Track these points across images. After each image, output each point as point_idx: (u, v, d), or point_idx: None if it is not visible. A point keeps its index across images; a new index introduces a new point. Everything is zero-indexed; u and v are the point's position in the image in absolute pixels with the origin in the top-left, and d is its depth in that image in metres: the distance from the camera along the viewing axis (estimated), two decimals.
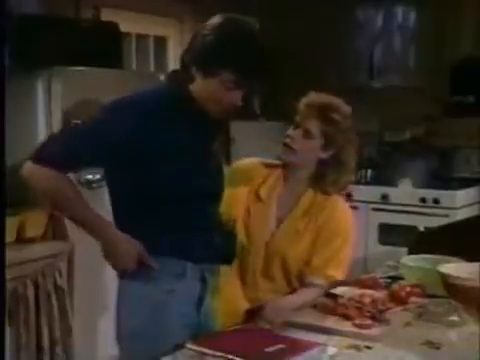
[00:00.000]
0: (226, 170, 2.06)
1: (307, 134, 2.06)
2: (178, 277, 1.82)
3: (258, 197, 2.15)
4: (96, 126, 1.77)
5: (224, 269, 2.04)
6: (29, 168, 1.75)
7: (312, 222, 2.11)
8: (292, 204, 2.13)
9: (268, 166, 2.21)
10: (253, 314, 2.03)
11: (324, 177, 2.10)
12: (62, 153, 1.73)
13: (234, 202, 2.13)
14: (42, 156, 1.74)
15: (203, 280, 1.88)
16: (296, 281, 2.12)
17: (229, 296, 2.13)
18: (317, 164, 2.10)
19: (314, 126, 2.06)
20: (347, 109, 2.11)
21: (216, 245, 1.89)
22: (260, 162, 2.22)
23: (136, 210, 1.80)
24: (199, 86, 1.81)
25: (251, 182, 2.17)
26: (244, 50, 1.79)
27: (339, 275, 2.12)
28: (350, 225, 2.15)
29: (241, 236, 2.14)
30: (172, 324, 1.80)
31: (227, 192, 2.06)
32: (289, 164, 2.14)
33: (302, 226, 2.10)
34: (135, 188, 1.78)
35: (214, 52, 1.77)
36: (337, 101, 2.11)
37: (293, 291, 2.11)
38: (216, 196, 1.92)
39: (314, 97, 2.10)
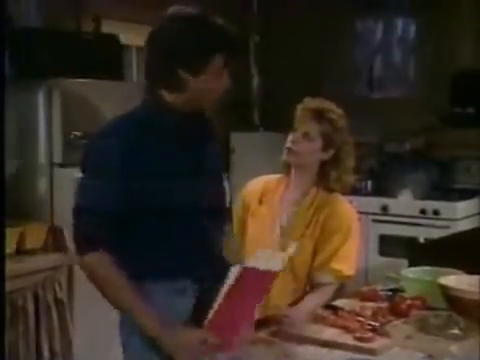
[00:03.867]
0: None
1: (307, 136, 2.17)
2: (179, 293, 1.77)
3: (260, 202, 2.25)
4: (96, 183, 1.68)
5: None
6: (84, 264, 1.71)
7: (315, 221, 2.17)
8: (296, 206, 2.20)
9: (272, 178, 2.31)
10: (264, 322, 2.04)
11: (327, 176, 2.19)
12: (93, 232, 1.69)
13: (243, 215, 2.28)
14: (84, 245, 1.70)
15: (199, 298, 1.81)
16: (305, 284, 2.16)
17: None
18: (319, 166, 2.20)
19: (312, 128, 2.16)
20: (340, 110, 2.21)
21: (215, 263, 1.82)
22: (266, 178, 2.33)
23: (137, 233, 1.74)
24: (191, 88, 1.71)
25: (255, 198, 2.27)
26: (214, 28, 1.73)
27: (346, 269, 2.14)
28: (351, 220, 2.21)
29: (247, 241, 2.23)
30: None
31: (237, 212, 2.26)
32: (293, 167, 2.23)
33: (305, 225, 2.17)
34: (136, 212, 1.71)
35: (198, 44, 1.69)
36: (330, 103, 2.21)
37: (303, 295, 2.14)
38: (215, 211, 1.83)
39: (309, 101, 2.21)
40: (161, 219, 1.72)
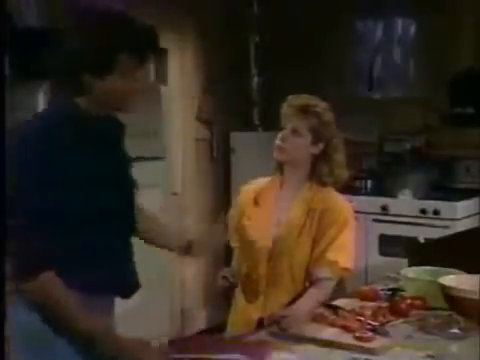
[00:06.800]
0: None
1: (295, 132, 2.18)
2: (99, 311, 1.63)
3: (256, 203, 2.25)
4: (37, 196, 1.55)
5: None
6: (36, 286, 1.54)
7: (311, 217, 2.17)
8: (291, 203, 2.21)
9: (265, 180, 2.32)
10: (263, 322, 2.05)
11: (320, 171, 2.21)
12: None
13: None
14: (36, 264, 1.54)
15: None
16: (304, 282, 2.16)
17: (240, 306, 2.18)
18: (311, 161, 2.21)
19: (299, 123, 2.18)
20: (325, 104, 2.23)
21: (121, 275, 1.72)
22: (259, 180, 2.34)
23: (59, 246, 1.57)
24: (98, 91, 1.62)
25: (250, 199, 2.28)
26: (120, 25, 1.63)
27: (342, 260, 2.14)
28: (347, 213, 2.22)
29: (245, 243, 2.22)
30: None
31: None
32: (284, 165, 2.24)
33: (302, 222, 2.17)
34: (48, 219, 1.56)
35: (101, 43, 1.59)
36: (314, 98, 2.23)
37: (302, 293, 2.13)
38: (122, 218, 1.73)
39: (294, 98, 2.23)
40: (79, 230, 1.60)
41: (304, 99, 2.21)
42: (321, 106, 2.20)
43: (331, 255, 2.13)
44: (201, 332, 4.34)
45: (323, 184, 2.21)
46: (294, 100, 2.22)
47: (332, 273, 2.14)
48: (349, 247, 2.17)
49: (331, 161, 2.20)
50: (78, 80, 1.62)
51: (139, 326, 3.43)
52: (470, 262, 2.17)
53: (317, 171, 2.21)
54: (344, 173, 2.23)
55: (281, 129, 2.21)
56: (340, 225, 2.16)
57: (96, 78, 1.62)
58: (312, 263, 2.15)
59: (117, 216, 1.69)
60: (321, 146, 2.20)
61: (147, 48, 1.66)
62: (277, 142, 2.20)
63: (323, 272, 2.13)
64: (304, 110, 2.18)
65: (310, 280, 2.16)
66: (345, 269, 2.15)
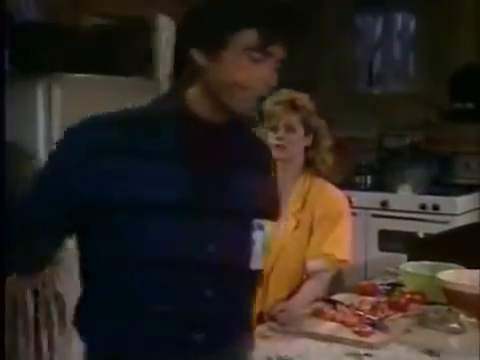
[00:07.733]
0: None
1: (290, 128, 2.19)
2: None
3: None
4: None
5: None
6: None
7: (306, 211, 2.18)
8: (287, 199, 2.19)
9: None
10: (262, 317, 2.05)
11: (313, 160, 2.23)
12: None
13: None
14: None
15: None
16: (302, 276, 2.16)
17: None
18: (304, 153, 2.23)
19: (291, 119, 2.19)
20: (305, 94, 2.25)
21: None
22: None
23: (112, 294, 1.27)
24: (208, 76, 1.22)
25: None
26: None
27: (338, 253, 2.15)
28: (341, 204, 2.23)
29: None
30: None
31: None
32: (279, 162, 2.21)
33: (298, 217, 2.18)
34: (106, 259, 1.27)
35: (216, 13, 1.20)
36: (293, 91, 2.25)
37: (300, 286, 2.14)
38: (231, 274, 1.28)
39: (277, 95, 2.21)
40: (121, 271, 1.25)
41: (288, 94, 2.22)
42: (304, 97, 2.23)
43: (327, 248, 2.14)
44: None
45: (317, 173, 2.23)
46: (279, 96, 2.21)
47: (328, 264, 2.14)
48: (345, 239, 2.17)
49: (321, 148, 2.23)
50: (187, 61, 1.22)
51: None
52: (469, 257, 2.18)
53: (310, 162, 2.23)
54: (331, 159, 2.24)
55: (274, 128, 2.19)
56: (335, 217, 2.17)
57: (207, 57, 1.20)
58: (308, 257, 2.15)
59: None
60: (311, 136, 2.22)
61: (276, 24, 1.23)
62: (275, 141, 2.18)
63: (319, 264, 2.14)
64: (293, 105, 2.19)
65: (307, 273, 2.16)
66: (342, 261, 2.16)
